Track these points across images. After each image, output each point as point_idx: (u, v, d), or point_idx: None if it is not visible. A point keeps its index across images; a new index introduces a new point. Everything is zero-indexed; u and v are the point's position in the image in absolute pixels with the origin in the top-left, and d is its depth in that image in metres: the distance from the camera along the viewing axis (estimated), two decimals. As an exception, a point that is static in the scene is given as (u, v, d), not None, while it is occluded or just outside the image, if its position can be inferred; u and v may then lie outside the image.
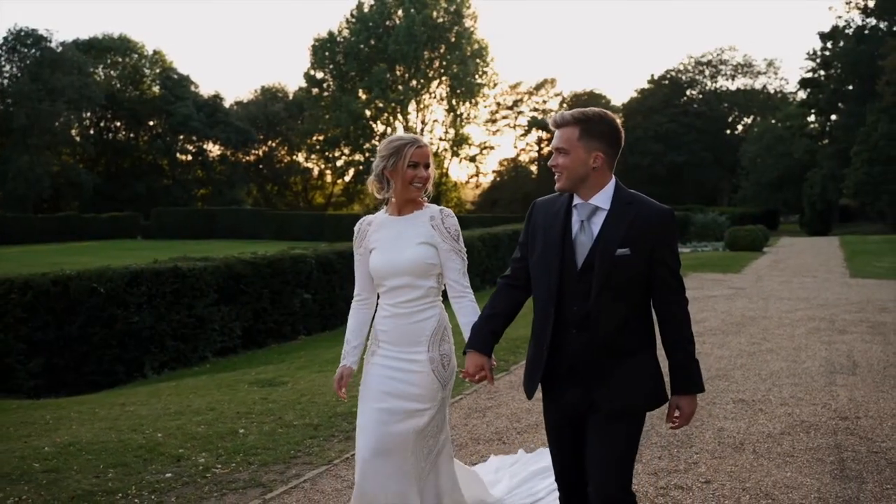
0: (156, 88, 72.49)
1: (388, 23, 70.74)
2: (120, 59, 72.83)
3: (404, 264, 3.38)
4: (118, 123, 72.48)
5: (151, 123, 71.80)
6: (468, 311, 3.41)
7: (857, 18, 52.83)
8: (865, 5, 51.22)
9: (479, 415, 6.24)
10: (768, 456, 5.12)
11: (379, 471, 3.36)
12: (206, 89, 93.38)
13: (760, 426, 5.77)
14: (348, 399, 4.23)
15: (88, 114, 69.44)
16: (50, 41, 63.57)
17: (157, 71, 73.79)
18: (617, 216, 2.96)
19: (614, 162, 3.04)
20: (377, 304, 3.59)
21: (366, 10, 71.24)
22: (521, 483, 4.37)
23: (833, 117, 54.71)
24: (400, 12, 70.42)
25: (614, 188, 3.01)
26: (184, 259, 11.78)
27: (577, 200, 3.03)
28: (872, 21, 51.62)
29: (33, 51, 63.06)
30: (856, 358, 8.13)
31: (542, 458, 4.62)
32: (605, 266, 2.92)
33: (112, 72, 73.02)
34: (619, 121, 3.06)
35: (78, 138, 68.12)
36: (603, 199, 2.99)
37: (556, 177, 3.03)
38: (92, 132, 71.11)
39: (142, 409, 6.94)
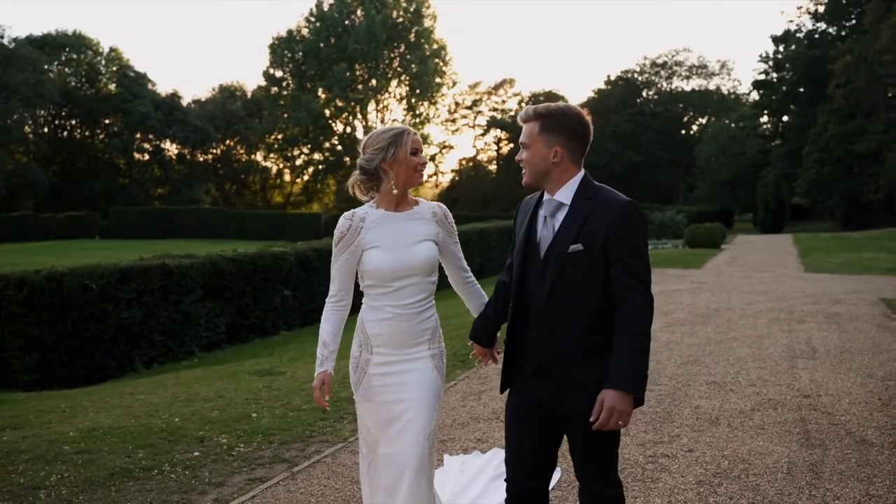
0: (112, 86, 71.59)
1: (347, 22, 70.87)
2: (75, 57, 71.83)
3: (419, 263, 3.23)
4: (73, 122, 71.43)
5: (108, 122, 70.90)
6: (478, 293, 3.50)
7: (808, 23, 54.69)
8: (816, 10, 52.94)
9: (475, 397, 6.72)
10: (742, 429, 5.68)
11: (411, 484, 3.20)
12: (163, 87, 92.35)
13: (732, 404, 6.35)
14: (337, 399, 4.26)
15: (43, 112, 68.37)
16: (2, 37, 62.66)
17: (114, 69, 72.89)
18: (576, 211, 2.91)
19: (580, 157, 2.99)
20: (363, 306, 3.36)
21: (325, 8, 71.29)
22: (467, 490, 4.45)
23: (785, 118, 56.39)
24: (360, 11, 70.60)
25: (579, 183, 2.96)
26: (169, 256, 12.06)
27: (546, 196, 3.03)
28: (822, 26, 53.38)
29: (-16, 47, 61.99)
30: (814, 344, 8.79)
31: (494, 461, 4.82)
32: (557, 262, 2.89)
33: (67, 69, 71.99)
34: (587, 116, 3.00)
35: (32, 136, 66.99)
36: (566, 194, 2.95)
37: (522, 172, 3.05)
38: (46, 130, 70.01)
39: (152, 398, 7.29)
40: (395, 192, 3.26)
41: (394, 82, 73.32)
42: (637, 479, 4.70)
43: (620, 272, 2.84)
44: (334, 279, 3.32)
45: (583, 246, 2.85)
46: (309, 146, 74.02)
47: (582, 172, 2.99)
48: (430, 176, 79.94)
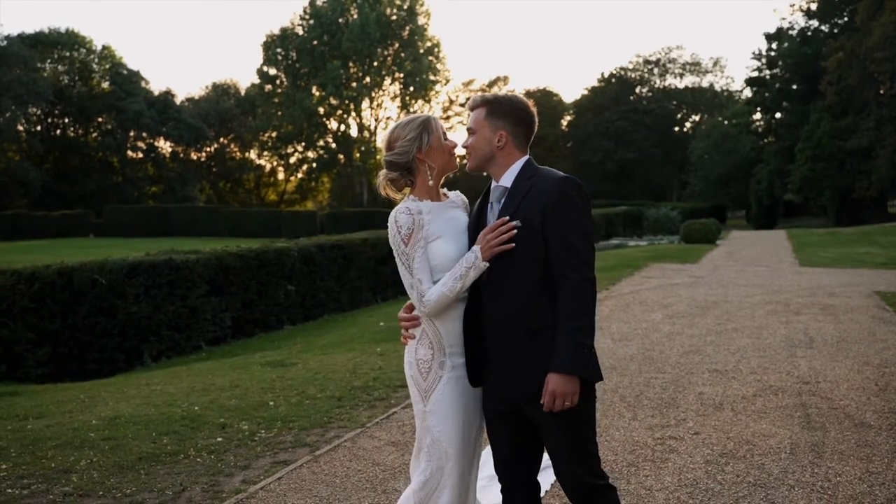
0: (105, 84, 71.49)
1: (341, 19, 70.93)
2: (68, 54, 71.71)
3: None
4: (66, 120, 71.26)
5: (101, 120, 70.71)
6: None
7: (801, 21, 55.04)
8: (808, 8, 53.29)
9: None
10: (745, 413, 5.89)
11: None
12: (156, 85, 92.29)
13: (735, 390, 6.56)
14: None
15: (36, 110, 68.18)
16: (-6, 35, 62.44)
17: (107, 66, 72.83)
18: (515, 191, 2.94)
19: (525, 143, 3.05)
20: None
21: (319, 4, 71.30)
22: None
23: (778, 115, 56.74)
24: (353, 9, 70.68)
25: (521, 167, 3.00)
26: (175, 251, 12.22)
27: (492, 184, 3.06)
28: (815, 23, 53.72)
29: (-24, 45, 61.85)
30: (811, 334, 9.01)
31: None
32: None
33: (59, 67, 71.89)
34: (533, 107, 3.07)
35: (24, 135, 66.78)
36: (509, 178, 2.99)
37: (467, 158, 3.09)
38: (39, 128, 69.82)
39: (169, 388, 7.46)
40: (430, 182, 3.13)
41: (388, 80, 73.43)
42: (647, 460, 4.90)
43: (558, 249, 2.83)
44: (422, 278, 3.01)
45: (521, 222, 2.86)
46: (303, 144, 74.11)
47: (526, 157, 3.04)
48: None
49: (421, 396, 3.08)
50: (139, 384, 7.92)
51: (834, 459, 4.85)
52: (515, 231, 2.87)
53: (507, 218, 2.91)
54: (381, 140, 3.19)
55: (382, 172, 3.17)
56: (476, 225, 3.07)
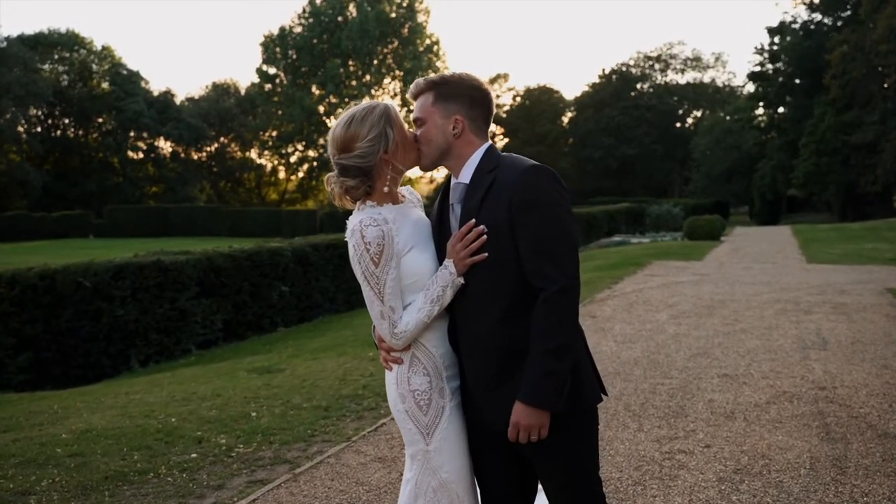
0: (105, 84, 71.11)
1: (340, 18, 70.60)
2: (67, 55, 71.37)
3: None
4: (67, 120, 70.90)
5: (101, 120, 70.37)
6: None
7: (804, 14, 54.53)
8: (811, 1, 52.69)
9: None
10: (758, 422, 5.49)
11: None
12: (156, 85, 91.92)
13: (747, 397, 6.15)
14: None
15: (36, 111, 67.85)
16: (-6, 36, 62.10)
17: (107, 67, 72.46)
18: (474, 188, 2.51)
19: (484, 128, 2.61)
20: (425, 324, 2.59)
21: (318, 2, 70.96)
22: None
23: (781, 110, 56.18)
24: (352, 7, 70.35)
25: (481, 157, 2.56)
26: (164, 252, 11.84)
27: (452, 181, 2.64)
28: (818, 16, 53.15)
29: (-25, 46, 61.53)
30: (824, 335, 8.60)
31: None
32: None
33: (59, 67, 71.56)
34: (486, 84, 2.63)
35: (25, 136, 66.38)
36: (468, 172, 2.56)
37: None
38: (39, 129, 69.46)
39: (148, 397, 7.08)
40: (386, 189, 2.62)
41: (387, 78, 73.10)
42: (655, 477, 4.50)
43: (528, 253, 2.39)
44: (394, 306, 2.54)
45: (485, 225, 2.43)
46: (303, 143, 73.73)
47: (486, 144, 2.59)
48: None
49: (422, 435, 2.60)
50: (118, 393, 7.54)
51: (859, 476, 4.45)
52: (486, 237, 2.44)
53: (474, 222, 2.46)
54: (331, 138, 2.60)
55: (334, 179, 2.61)
56: (438, 232, 2.64)
